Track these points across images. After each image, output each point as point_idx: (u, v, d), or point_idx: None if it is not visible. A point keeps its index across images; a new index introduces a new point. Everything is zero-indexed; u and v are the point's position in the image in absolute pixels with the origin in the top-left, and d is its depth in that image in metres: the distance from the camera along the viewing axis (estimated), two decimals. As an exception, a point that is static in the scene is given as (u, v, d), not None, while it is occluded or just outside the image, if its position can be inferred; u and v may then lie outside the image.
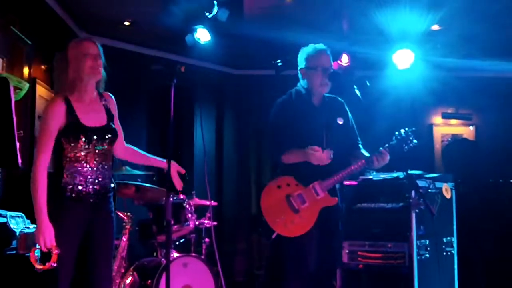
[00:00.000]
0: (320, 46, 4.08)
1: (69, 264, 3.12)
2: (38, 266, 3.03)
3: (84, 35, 6.80)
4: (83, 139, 3.14)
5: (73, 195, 3.14)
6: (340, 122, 4.05)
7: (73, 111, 3.16)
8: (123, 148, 3.50)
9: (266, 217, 3.85)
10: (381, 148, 3.88)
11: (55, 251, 3.00)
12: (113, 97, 3.42)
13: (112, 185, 3.32)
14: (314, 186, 3.86)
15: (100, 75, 3.25)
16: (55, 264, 2.99)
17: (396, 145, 3.89)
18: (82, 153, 3.16)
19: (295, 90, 4.11)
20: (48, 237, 3.00)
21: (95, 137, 3.19)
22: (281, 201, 3.86)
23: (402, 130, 3.92)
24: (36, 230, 3.04)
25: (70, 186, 3.13)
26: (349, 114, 4.16)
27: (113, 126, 3.32)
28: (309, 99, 4.06)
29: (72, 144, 3.13)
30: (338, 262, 4.36)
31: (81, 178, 3.16)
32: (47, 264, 3.00)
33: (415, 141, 3.90)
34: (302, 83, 4.11)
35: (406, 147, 3.89)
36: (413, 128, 3.93)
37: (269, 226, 3.82)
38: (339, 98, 4.18)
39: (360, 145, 4.13)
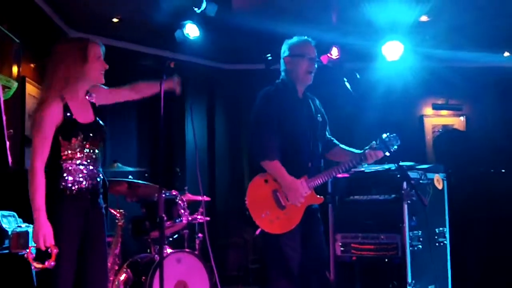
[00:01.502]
0: (305, 37, 3.99)
1: (72, 261, 3.11)
2: (37, 265, 2.98)
3: (73, 32, 6.77)
4: (80, 136, 3.16)
5: (73, 192, 3.13)
6: (320, 119, 4.02)
7: (69, 110, 3.17)
8: (106, 92, 3.48)
9: (251, 211, 3.70)
10: (374, 142, 3.84)
11: (54, 250, 2.97)
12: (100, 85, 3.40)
13: (101, 177, 3.33)
14: (301, 183, 3.75)
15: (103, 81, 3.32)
16: (54, 263, 2.97)
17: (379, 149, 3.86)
18: (78, 151, 3.17)
19: (281, 81, 3.98)
20: (47, 236, 2.98)
21: (91, 134, 3.21)
22: (267, 196, 3.74)
23: (385, 135, 3.87)
24: (34, 229, 3.01)
25: (69, 184, 3.13)
26: (324, 112, 4.10)
27: (101, 122, 3.33)
28: (294, 90, 3.95)
29: (69, 142, 3.14)
30: (326, 255, 4.28)
31: (79, 175, 3.16)
32: (46, 263, 2.96)
33: (395, 146, 3.87)
34: (285, 74, 3.97)
35: (387, 150, 3.84)
36: (394, 134, 3.89)
37: (253, 221, 3.68)
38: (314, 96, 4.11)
39: (336, 141, 4.09)
